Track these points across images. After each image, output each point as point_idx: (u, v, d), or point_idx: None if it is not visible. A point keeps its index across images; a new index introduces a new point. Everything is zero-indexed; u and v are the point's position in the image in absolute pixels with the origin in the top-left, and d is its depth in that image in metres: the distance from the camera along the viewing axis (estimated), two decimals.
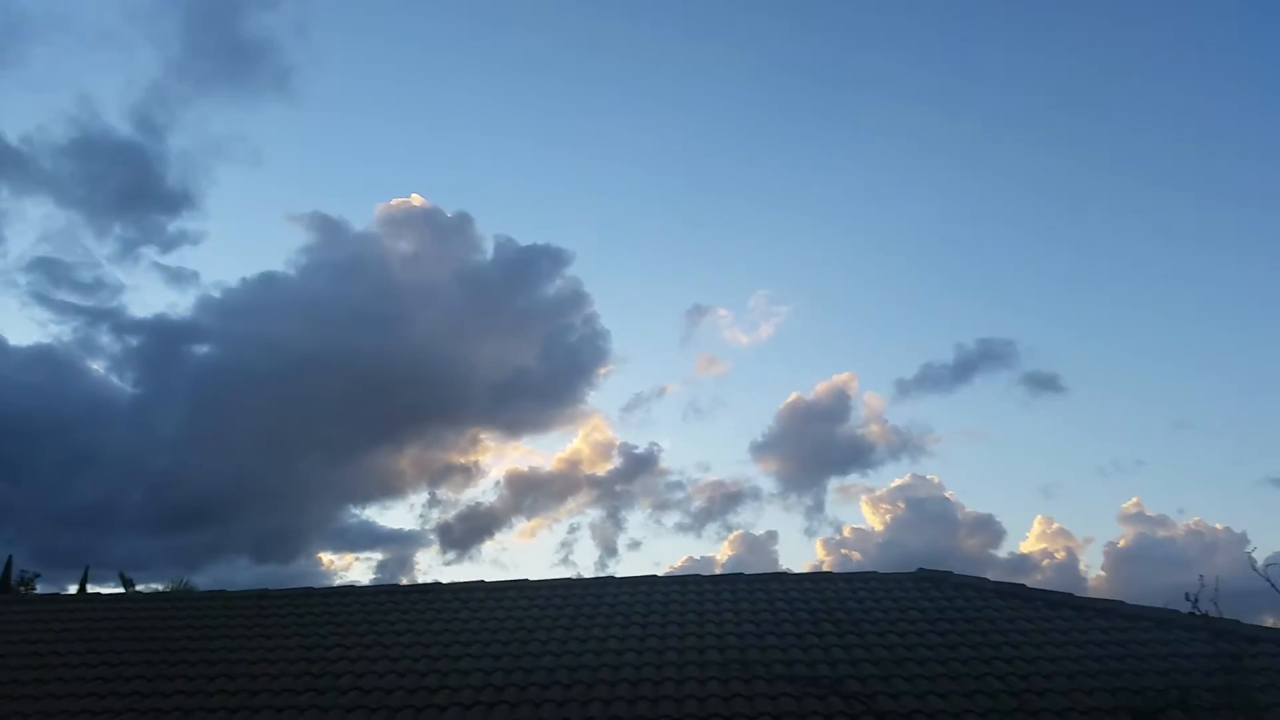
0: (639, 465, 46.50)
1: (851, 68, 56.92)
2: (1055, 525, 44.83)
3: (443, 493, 50.85)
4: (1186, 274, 53.99)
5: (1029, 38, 54.69)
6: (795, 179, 58.11)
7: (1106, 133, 54.81)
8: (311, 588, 15.13)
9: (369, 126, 60.89)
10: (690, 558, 43.60)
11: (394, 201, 51.61)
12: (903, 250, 56.86)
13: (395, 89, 60.86)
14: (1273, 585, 6.97)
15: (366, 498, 52.65)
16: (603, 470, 48.76)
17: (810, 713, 9.05)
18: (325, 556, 48.19)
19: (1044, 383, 46.44)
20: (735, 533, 46.30)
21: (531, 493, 47.45)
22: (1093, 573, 43.10)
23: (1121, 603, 12.05)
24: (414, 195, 55.65)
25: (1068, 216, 55.06)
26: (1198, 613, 7.36)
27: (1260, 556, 7.05)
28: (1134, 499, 46.33)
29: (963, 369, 47.24)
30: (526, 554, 50.89)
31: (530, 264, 47.92)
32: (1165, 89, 54.25)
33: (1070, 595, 12.46)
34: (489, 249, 50.47)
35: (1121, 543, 43.40)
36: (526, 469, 53.14)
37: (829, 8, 58.33)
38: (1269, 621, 10.51)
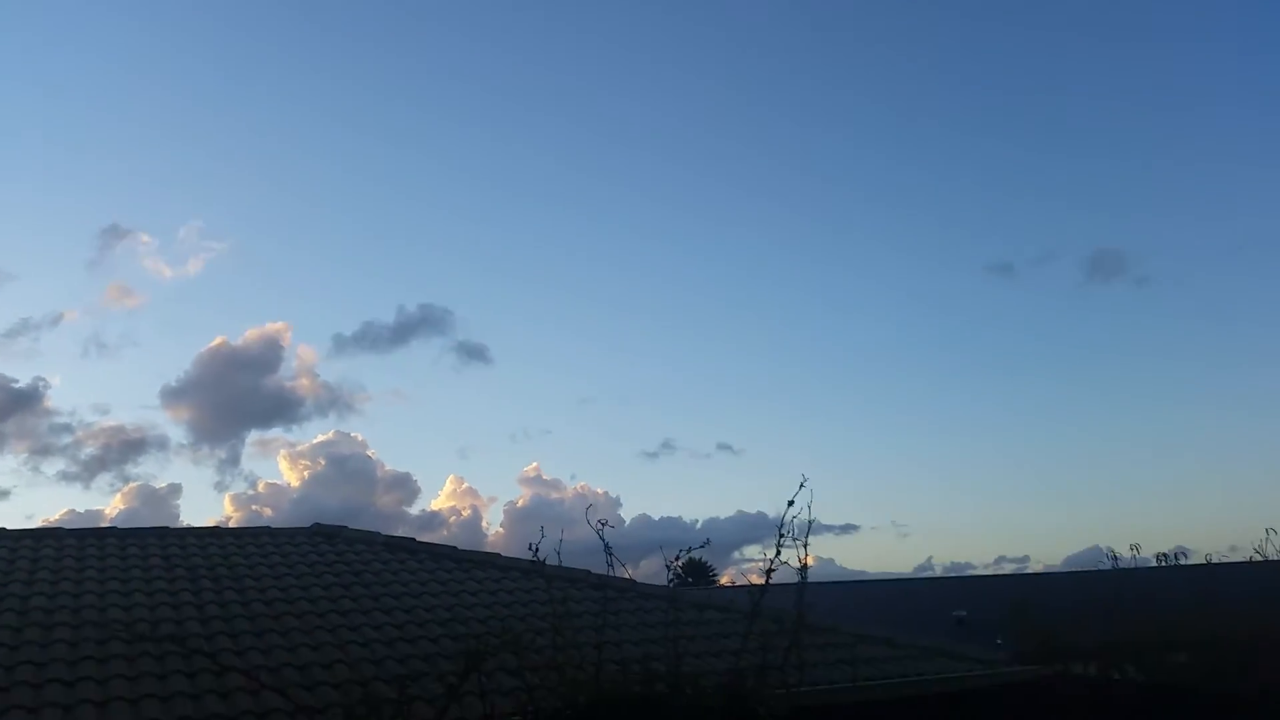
0: (17, 401, 40.36)
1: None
2: (465, 485, 47.77)
3: None
4: (604, 260, 60.31)
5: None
6: (239, 104, 54.16)
7: (582, 112, 59.00)
8: None
9: None
10: (72, 511, 38.97)
11: None
12: (353, 204, 56.23)
13: None
14: (600, 538, 8.03)
15: None
16: None
17: (145, 673, 8.47)
18: None
19: (474, 352, 49.12)
20: (132, 485, 42.22)
21: None
22: (493, 529, 46.60)
23: (497, 555, 13.10)
24: None
25: (509, 197, 58.49)
26: (539, 561, 8.22)
27: (627, 516, 8.07)
28: (534, 464, 50.96)
29: (402, 331, 48.14)
30: None
31: None
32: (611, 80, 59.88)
33: (453, 549, 13.26)
34: None
35: (520, 502, 47.57)
36: None
37: None
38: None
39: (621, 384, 59.35)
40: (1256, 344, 56.29)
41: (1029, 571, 39.46)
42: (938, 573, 42.70)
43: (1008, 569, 44.25)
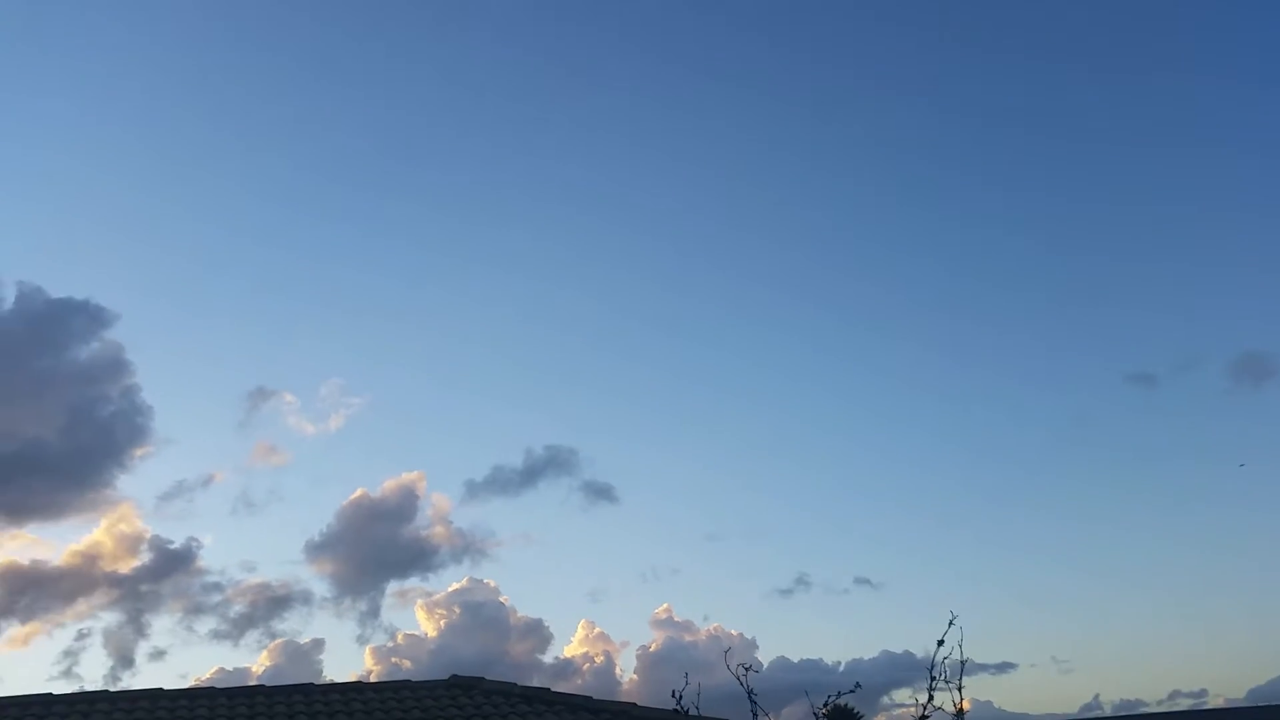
0: (172, 563, 41.92)
1: (414, 148, 57.98)
2: (597, 630, 47.05)
3: None
4: (729, 398, 60.51)
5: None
6: (375, 268, 57.44)
7: (650, 251, 60.47)
8: None
9: None
10: (221, 669, 39.76)
11: None
12: (480, 350, 58.18)
13: None
14: (741, 684, 7.75)
15: None
16: (127, 567, 43.26)
17: None
18: None
19: (601, 491, 49.29)
20: (277, 641, 43.12)
21: (31, 591, 40.94)
22: (627, 675, 45.69)
23: (634, 705, 12.80)
24: None
25: (633, 331, 59.66)
26: (682, 710, 7.95)
27: (765, 659, 7.83)
28: (665, 605, 50.02)
29: (530, 474, 48.76)
30: (15, 664, 43.41)
31: (60, 320, 41.88)
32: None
33: (589, 699, 13.02)
34: (9, 296, 43.42)
35: (653, 646, 46.54)
36: (27, 562, 45.79)
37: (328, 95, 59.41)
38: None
39: (749, 519, 58.37)
40: None
41: (1208, 707, 36.22)
42: (1106, 711, 39.54)
43: (1183, 704, 40.68)
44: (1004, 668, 42.52)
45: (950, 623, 7.33)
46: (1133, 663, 50.61)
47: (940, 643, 7.29)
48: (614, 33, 58.56)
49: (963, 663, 7.38)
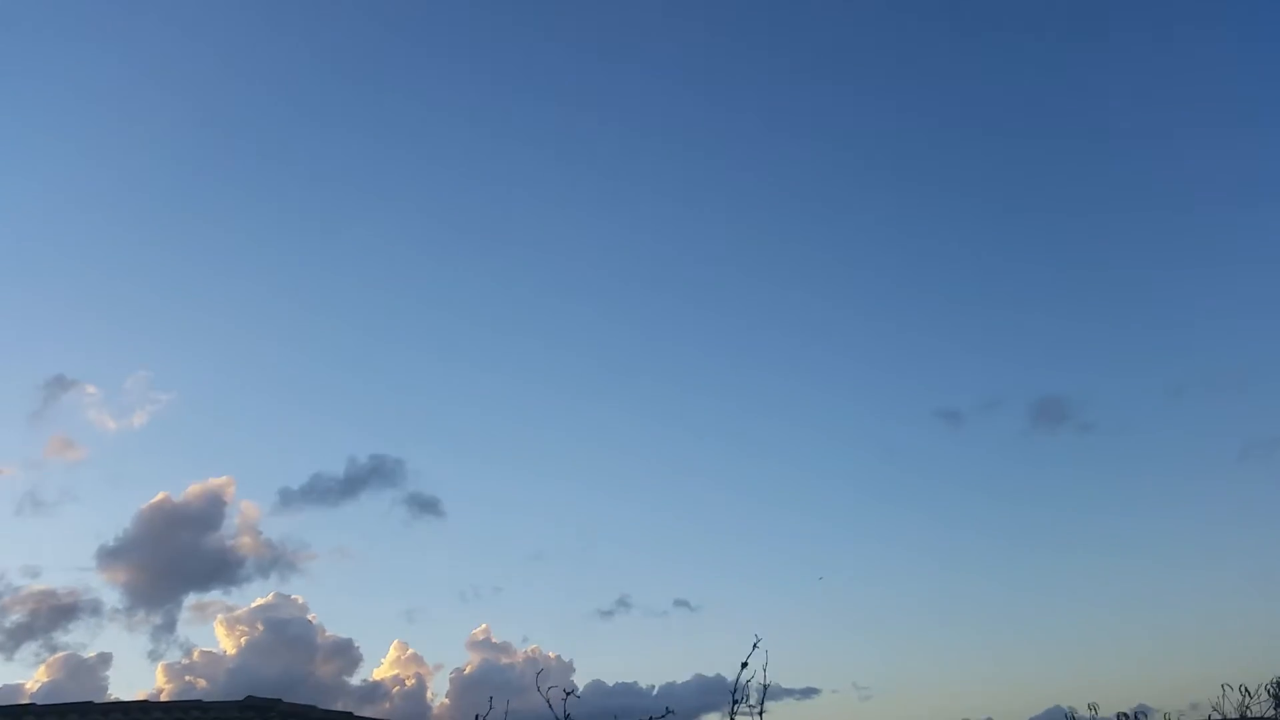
0: None
1: (246, 132, 55.68)
2: (410, 651, 45.80)
3: None
4: (560, 415, 60.34)
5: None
6: (192, 255, 54.38)
7: (501, 252, 59.79)
8: None
9: None
10: None
11: None
12: (304, 350, 55.91)
13: None
14: (551, 708, 7.72)
15: None
16: None
17: None
18: None
19: (426, 505, 48.00)
20: (58, 654, 39.90)
21: None
22: (439, 699, 44.59)
23: None
24: None
25: (466, 339, 58.74)
26: None
27: (581, 682, 7.77)
28: (484, 625, 49.24)
29: (352, 484, 47.01)
30: None
31: None
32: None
33: None
34: None
35: (468, 669, 45.64)
36: None
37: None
38: None
39: (576, 538, 58.26)
40: (1205, 489, 57.19)
41: None
42: None
43: None
44: (809, 692, 43.96)
45: (754, 645, 7.54)
46: (927, 690, 53.31)
47: (744, 665, 7.49)
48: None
49: (765, 686, 7.60)
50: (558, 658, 42.87)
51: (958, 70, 61.48)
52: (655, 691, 46.80)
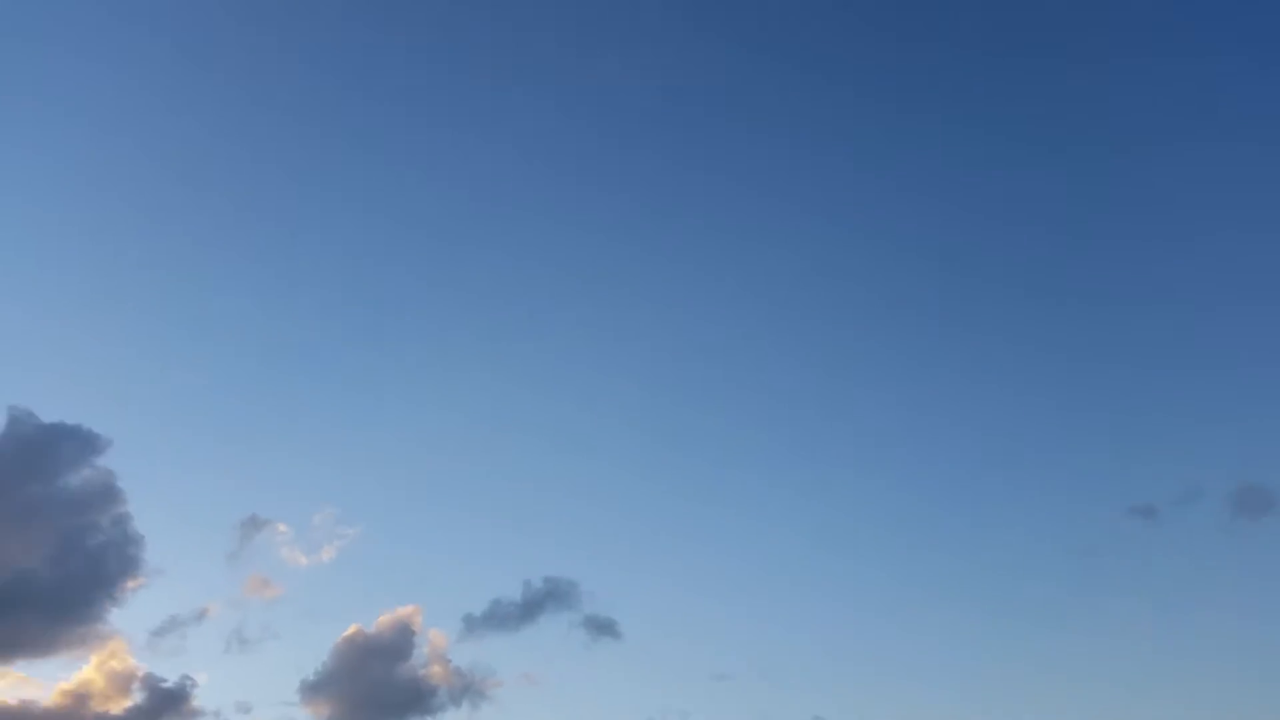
0: (166, 703, 40.33)
1: (407, 294, 58.43)
2: None
3: None
4: (738, 532, 59.98)
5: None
6: (368, 397, 57.57)
7: (632, 378, 60.29)
8: None
9: None
10: None
11: None
12: (475, 477, 57.88)
13: None
14: None
15: None
16: (119, 707, 41.42)
17: None
18: None
19: (603, 627, 48.36)
20: None
21: None
22: None
23: None
24: None
25: (639, 462, 59.39)
26: None
27: None
28: None
29: (530, 608, 47.88)
30: None
31: (52, 445, 41.63)
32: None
33: None
34: (0, 420, 43.17)
35: None
36: (16, 702, 43.95)
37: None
38: None
39: (763, 657, 57.07)
40: None
41: None
42: None
43: None
44: None
45: None
46: None
47: None
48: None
49: None
50: None
51: None
52: None
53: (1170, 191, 63.75)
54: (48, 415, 46.55)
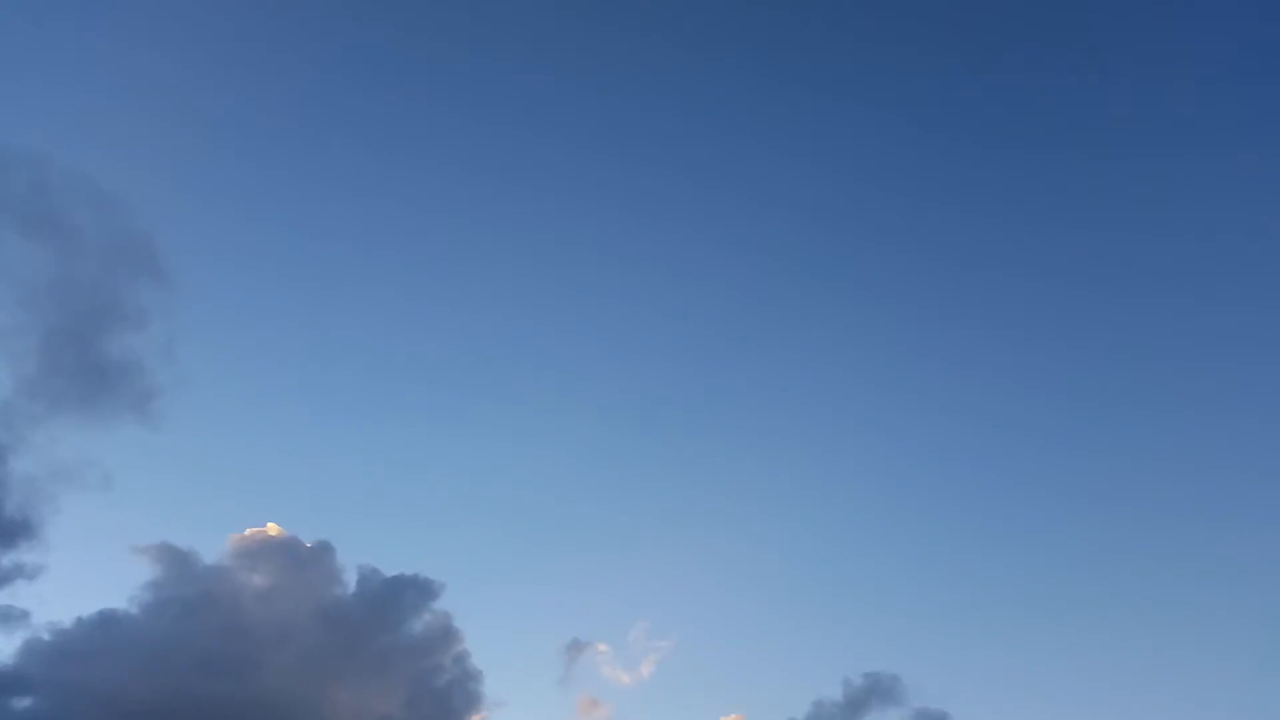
0: None
1: (712, 399, 60.54)
2: None
3: None
4: (1068, 606, 56.95)
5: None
6: (672, 510, 59.63)
7: (967, 475, 59.19)
8: None
9: (227, 451, 59.61)
10: None
11: (248, 531, 48.92)
12: (785, 581, 58.11)
13: (257, 412, 60.41)
14: None
15: None
16: None
17: None
18: None
19: None
20: None
21: None
22: None
23: None
24: (270, 524, 53.42)
25: (955, 546, 57.90)
26: None
27: None
28: None
29: (853, 707, 46.86)
30: None
31: (396, 597, 45.87)
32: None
33: None
34: (351, 581, 47.86)
35: None
36: None
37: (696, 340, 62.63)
38: None
39: None
40: None
41: None
42: None
43: None
44: None
45: None
46: None
47: None
48: None
49: None
50: None
51: None
52: None
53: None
54: (390, 569, 51.98)
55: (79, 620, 46.99)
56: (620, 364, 63.42)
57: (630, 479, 61.11)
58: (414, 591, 46.03)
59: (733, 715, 50.51)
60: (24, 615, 52.07)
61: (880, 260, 65.97)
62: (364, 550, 71.03)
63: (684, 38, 68.78)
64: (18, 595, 55.24)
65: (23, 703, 40.57)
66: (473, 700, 45.98)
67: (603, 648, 53.97)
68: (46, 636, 44.74)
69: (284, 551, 47.05)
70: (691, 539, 60.74)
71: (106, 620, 42.75)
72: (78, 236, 46.17)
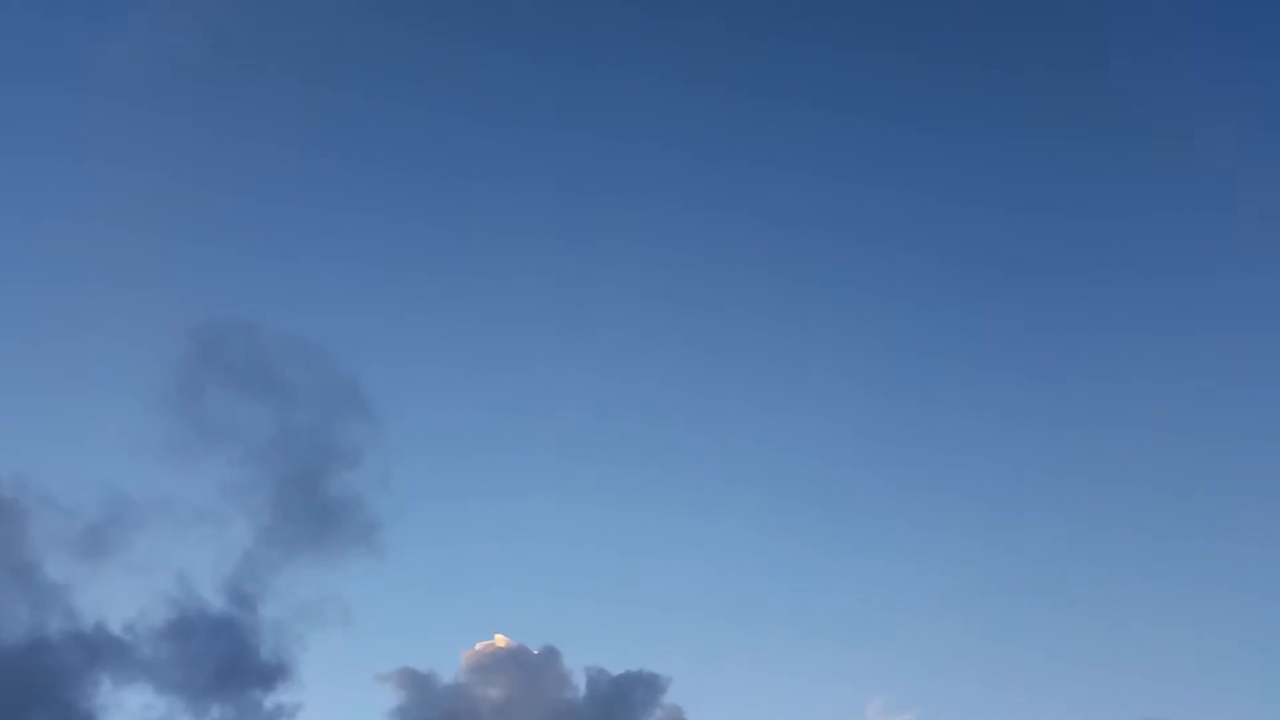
0: None
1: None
2: None
3: None
4: None
5: None
6: (900, 578, 59.30)
7: None
8: None
9: (448, 569, 60.41)
10: None
11: (478, 645, 48.94)
12: (1018, 651, 57.72)
13: (473, 531, 61.29)
14: None
15: None
16: None
17: None
18: None
19: None
20: None
21: None
22: None
23: None
24: (498, 636, 51.36)
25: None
26: None
27: None
28: None
29: None
30: None
31: (625, 695, 45.70)
32: None
33: None
34: (580, 684, 47.40)
35: None
36: None
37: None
38: None
39: None
40: None
41: None
42: None
43: None
44: None
45: None
46: None
47: None
48: None
49: None
50: None
51: None
52: None
53: None
54: (616, 668, 49.77)
55: None
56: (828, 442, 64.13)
57: (850, 555, 61.07)
58: (642, 689, 45.71)
59: None
60: None
61: None
62: (589, 651, 71.10)
63: (670, 58, 69.21)
64: None
65: None
66: None
67: None
68: None
69: (514, 662, 47.24)
70: (923, 609, 59.73)
71: None
72: (292, 390, 48.06)
